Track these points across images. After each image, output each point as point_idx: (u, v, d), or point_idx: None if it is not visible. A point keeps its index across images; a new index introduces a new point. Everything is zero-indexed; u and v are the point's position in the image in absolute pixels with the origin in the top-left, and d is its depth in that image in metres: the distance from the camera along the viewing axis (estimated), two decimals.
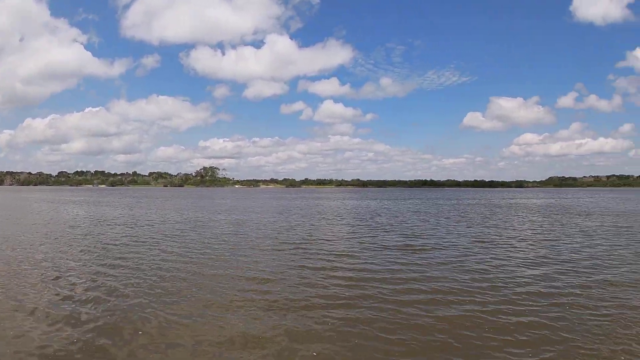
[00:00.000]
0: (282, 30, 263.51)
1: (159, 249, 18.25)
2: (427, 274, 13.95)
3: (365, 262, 15.99)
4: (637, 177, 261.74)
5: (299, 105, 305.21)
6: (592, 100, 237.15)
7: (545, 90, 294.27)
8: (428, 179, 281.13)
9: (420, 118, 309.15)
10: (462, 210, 46.84)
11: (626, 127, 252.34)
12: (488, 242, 21.69)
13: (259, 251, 18.09)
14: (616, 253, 18.32)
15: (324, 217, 36.15)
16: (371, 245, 20.21)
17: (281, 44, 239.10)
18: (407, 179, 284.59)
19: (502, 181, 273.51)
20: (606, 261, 16.49)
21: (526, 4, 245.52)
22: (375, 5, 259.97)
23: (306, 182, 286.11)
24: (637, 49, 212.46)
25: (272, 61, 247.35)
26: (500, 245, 20.40)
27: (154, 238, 21.85)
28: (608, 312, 10.23)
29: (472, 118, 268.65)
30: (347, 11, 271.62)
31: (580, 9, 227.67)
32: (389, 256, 17.28)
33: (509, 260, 16.57)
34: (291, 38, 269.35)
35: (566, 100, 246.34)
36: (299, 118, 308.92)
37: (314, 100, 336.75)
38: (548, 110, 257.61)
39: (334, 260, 16.17)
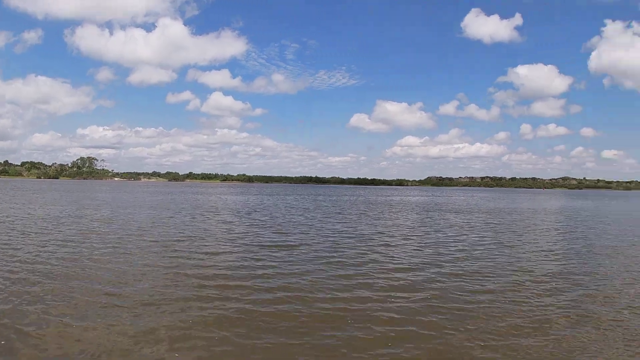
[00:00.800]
0: (176, 15, 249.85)
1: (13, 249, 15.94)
2: (297, 270, 13.68)
3: (235, 260, 15.11)
4: (509, 179, 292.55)
5: (186, 95, 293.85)
6: (472, 109, 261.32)
7: (429, 97, 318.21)
8: (314, 176, 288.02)
9: (309, 116, 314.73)
10: (340, 207, 47.72)
11: (501, 135, 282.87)
12: (360, 236, 21.91)
13: (122, 251, 16.17)
14: (479, 246, 19.65)
15: (200, 214, 34.19)
16: (243, 242, 19.20)
17: (174, 29, 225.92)
18: (294, 175, 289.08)
19: (384, 179, 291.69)
20: (470, 253, 17.75)
21: (420, 17, 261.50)
22: (274, 1, 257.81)
23: (190, 176, 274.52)
24: (518, 66, 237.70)
25: (162, 46, 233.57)
26: (372, 240, 20.86)
27: (10, 236, 19.13)
28: (469, 300, 10.77)
29: (359, 119, 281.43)
30: (246, 3, 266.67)
31: (471, 26, 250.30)
32: (259, 254, 16.44)
33: (381, 255, 16.86)
34: (185, 24, 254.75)
35: (448, 108, 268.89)
36: (185, 108, 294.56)
37: (203, 91, 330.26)
38: (430, 115, 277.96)
39: (203, 259, 15.17)
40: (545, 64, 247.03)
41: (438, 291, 11.56)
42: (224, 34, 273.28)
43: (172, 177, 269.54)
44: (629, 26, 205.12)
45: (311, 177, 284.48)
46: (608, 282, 13.15)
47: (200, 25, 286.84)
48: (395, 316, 9.39)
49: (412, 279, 12.96)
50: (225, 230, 23.64)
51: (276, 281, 12.17)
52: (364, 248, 18.25)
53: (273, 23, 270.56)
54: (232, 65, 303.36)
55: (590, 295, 11.57)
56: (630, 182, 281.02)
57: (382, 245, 19.33)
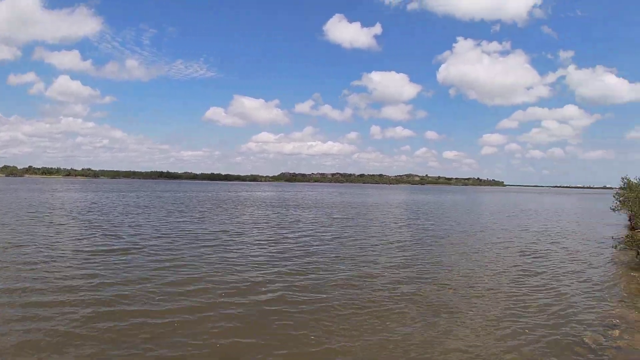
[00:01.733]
0: None
1: None
2: (129, 278, 12.33)
3: (62, 270, 13.12)
4: (358, 175, 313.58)
5: (30, 77, 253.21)
6: (327, 109, 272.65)
7: (285, 95, 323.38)
8: (165, 171, 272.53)
9: (162, 107, 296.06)
10: (186, 204, 44.69)
11: (352, 135, 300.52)
12: (199, 236, 20.79)
13: None
14: (325, 240, 20.22)
15: (29, 216, 28.44)
16: (73, 248, 16.70)
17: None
18: (143, 170, 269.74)
19: (238, 175, 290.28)
20: (314, 247, 18.20)
21: (284, 16, 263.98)
22: None
23: (30, 170, 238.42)
24: (373, 72, 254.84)
25: (9, 18, 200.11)
26: (212, 239, 19.84)
27: None
28: (316, 297, 10.05)
29: (215, 113, 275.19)
30: None
31: (333, 30, 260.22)
32: (89, 261, 14.45)
33: (220, 255, 16.03)
34: None
35: (303, 107, 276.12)
36: (27, 92, 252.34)
37: (49, 73, 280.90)
38: (286, 113, 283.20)
39: (23, 270, 12.84)
40: (398, 72, 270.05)
41: (282, 290, 11.31)
42: (79, 10, 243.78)
43: (10, 171, 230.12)
44: (479, 44, 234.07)
45: (162, 172, 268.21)
46: (451, 270, 14.39)
47: None
48: (229, 324, 8.87)
49: (254, 279, 12.54)
50: (53, 234, 20.33)
51: (105, 293, 10.76)
52: (202, 249, 17.19)
53: (132, 4, 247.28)
54: (83, 46, 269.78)
55: (437, 283, 12.44)
56: (467, 179, 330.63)
57: (222, 244, 18.48)
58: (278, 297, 10.83)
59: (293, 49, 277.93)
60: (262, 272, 13.38)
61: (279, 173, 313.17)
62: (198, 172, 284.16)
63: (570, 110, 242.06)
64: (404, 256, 16.67)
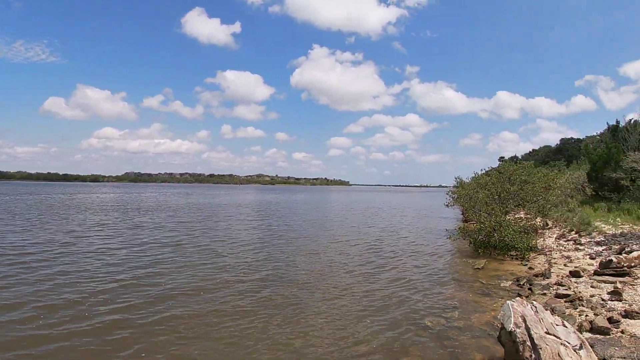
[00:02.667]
0: None
1: None
2: None
3: None
4: (208, 175, 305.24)
5: None
6: (177, 105, 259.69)
7: (134, 88, 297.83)
8: None
9: None
10: (9, 210, 37.62)
11: (203, 133, 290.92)
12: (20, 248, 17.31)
13: None
14: (167, 246, 18.88)
15: None
16: None
17: None
18: None
19: (78, 175, 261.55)
20: (154, 255, 16.52)
21: (141, 5, 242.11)
22: None
23: None
24: (228, 71, 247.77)
25: None
26: (32, 252, 16.33)
27: None
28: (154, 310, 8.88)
29: (54, 103, 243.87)
30: None
31: (191, 23, 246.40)
32: None
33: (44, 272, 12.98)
34: None
35: (152, 101, 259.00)
36: None
37: None
38: (133, 107, 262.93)
39: None
40: (253, 72, 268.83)
41: (126, 302, 9.96)
42: None
43: None
44: (333, 53, 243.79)
45: None
46: (301, 268, 14.10)
47: None
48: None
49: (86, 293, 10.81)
50: None
51: None
52: (25, 263, 14.32)
53: None
54: None
55: (287, 282, 12.14)
56: (315, 179, 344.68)
57: (48, 257, 15.73)
58: (122, 308, 9.45)
59: (146, 39, 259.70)
60: (96, 283, 11.56)
61: (124, 173, 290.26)
62: (33, 171, 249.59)
63: (412, 118, 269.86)
64: (256, 258, 15.99)
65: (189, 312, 9.29)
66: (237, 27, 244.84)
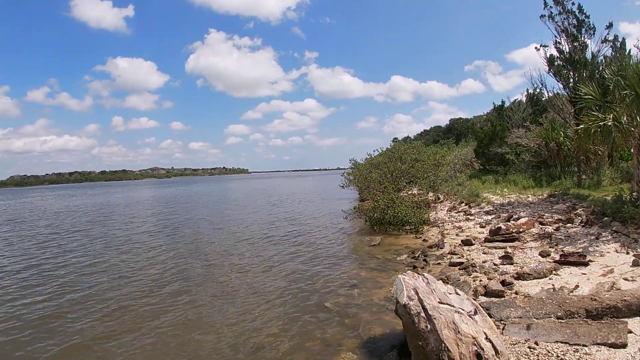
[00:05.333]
0: None
1: None
2: None
3: None
4: (99, 172, 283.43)
5: None
6: (64, 97, 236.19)
7: (16, 80, 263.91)
8: None
9: None
10: None
11: (92, 127, 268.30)
12: None
13: None
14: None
15: None
16: None
17: None
18: None
19: None
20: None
21: None
22: None
23: None
24: (119, 58, 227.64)
25: None
26: None
27: None
28: None
29: None
30: None
31: (80, 6, 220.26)
32: None
33: None
34: None
35: (37, 94, 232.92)
36: None
37: None
38: (17, 102, 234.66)
39: None
40: (146, 59, 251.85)
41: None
42: None
43: None
44: (231, 38, 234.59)
45: None
46: (201, 266, 12.96)
47: None
48: None
49: None
50: None
51: None
52: None
53: None
54: None
55: (190, 278, 11.39)
56: (214, 169, 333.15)
57: None
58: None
59: (30, 23, 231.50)
60: None
61: (8, 177, 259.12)
62: None
63: (310, 103, 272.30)
64: (154, 259, 14.35)
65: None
66: (130, 11, 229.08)
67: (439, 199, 21.80)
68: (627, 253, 8.48)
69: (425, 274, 6.33)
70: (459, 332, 4.86)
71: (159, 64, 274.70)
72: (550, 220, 12.36)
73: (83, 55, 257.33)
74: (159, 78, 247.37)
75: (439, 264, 10.54)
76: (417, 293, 5.56)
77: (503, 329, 5.73)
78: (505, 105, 32.82)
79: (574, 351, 4.94)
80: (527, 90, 31.68)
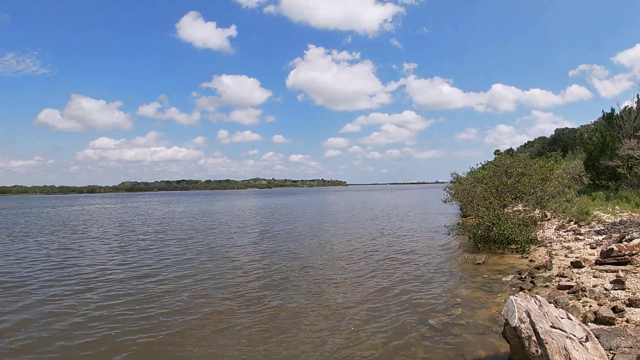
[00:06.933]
0: None
1: None
2: None
3: None
4: (205, 181, 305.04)
5: None
6: (173, 112, 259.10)
7: (129, 97, 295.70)
8: None
9: None
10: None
11: (199, 139, 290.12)
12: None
13: None
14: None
15: None
16: None
17: None
18: None
19: (74, 187, 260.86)
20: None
21: (134, 10, 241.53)
22: None
23: None
24: (224, 75, 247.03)
25: None
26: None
27: None
28: None
29: (49, 115, 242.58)
30: None
31: (185, 28, 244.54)
32: None
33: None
34: None
35: (148, 109, 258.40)
36: None
37: None
38: (129, 116, 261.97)
39: None
40: (249, 76, 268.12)
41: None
42: None
43: None
44: (329, 53, 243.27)
45: None
46: (304, 275, 13.93)
47: None
48: None
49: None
50: None
51: None
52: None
53: None
54: None
55: (293, 287, 12.45)
56: (313, 181, 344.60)
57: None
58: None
59: (141, 45, 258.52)
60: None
61: (120, 183, 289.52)
62: (30, 184, 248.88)
63: (409, 115, 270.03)
64: (257, 264, 16.02)
65: (197, 317, 9.30)
66: (232, 31, 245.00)
67: (546, 216, 21.12)
68: None
69: (538, 296, 6.20)
70: (570, 359, 4.78)
71: (262, 80, 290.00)
72: None
73: (190, 73, 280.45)
74: (261, 94, 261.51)
75: (547, 286, 10.39)
76: (528, 315, 5.49)
77: (612, 358, 5.53)
78: (614, 113, 30.71)
79: None
80: (638, 95, 29.42)
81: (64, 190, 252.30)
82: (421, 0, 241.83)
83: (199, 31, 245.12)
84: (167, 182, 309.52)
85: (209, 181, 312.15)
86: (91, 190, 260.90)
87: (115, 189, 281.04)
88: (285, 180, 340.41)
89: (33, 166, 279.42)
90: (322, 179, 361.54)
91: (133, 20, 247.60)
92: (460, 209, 29.99)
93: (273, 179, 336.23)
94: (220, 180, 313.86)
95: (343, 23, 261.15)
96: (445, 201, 23.55)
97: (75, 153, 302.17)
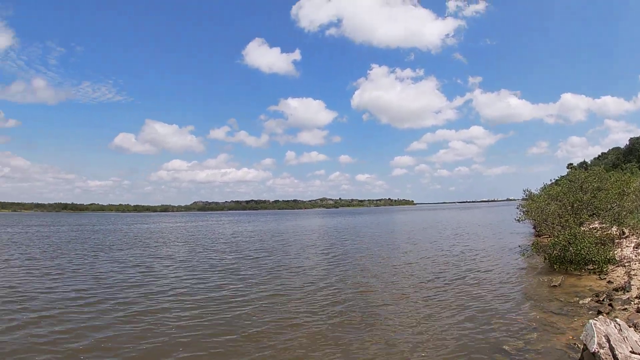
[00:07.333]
0: None
1: None
2: None
3: None
4: (273, 201, 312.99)
5: None
6: (242, 135, 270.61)
7: (200, 121, 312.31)
8: (70, 203, 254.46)
9: (68, 132, 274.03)
10: (102, 241, 40.25)
11: (268, 161, 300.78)
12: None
13: None
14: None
15: None
16: None
17: None
18: (47, 202, 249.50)
19: (148, 205, 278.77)
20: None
21: (202, 39, 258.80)
22: None
23: None
24: (290, 98, 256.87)
25: None
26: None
27: None
28: None
29: (124, 139, 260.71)
30: None
31: (252, 54, 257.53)
32: None
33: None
34: None
35: (219, 133, 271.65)
36: None
37: None
38: (200, 140, 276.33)
39: None
40: (315, 98, 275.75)
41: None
42: None
43: None
44: (393, 71, 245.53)
45: (67, 204, 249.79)
46: (381, 281, 14.97)
47: None
48: None
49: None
50: None
51: None
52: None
53: (42, 18, 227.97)
54: None
55: (369, 294, 12.58)
56: (380, 200, 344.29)
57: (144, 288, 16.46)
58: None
59: (210, 72, 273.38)
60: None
61: (192, 202, 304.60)
62: (106, 203, 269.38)
63: (476, 130, 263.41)
64: (329, 280, 16.65)
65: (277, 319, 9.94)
66: (296, 55, 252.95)
67: (623, 233, 20.41)
68: None
69: (618, 320, 6.19)
70: None
71: (327, 101, 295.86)
72: None
73: (258, 98, 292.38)
74: (327, 115, 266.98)
75: (626, 309, 10.25)
76: (608, 340, 5.49)
77: None
78: None
79: None
80: None
81: (138, 208, 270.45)
82: (481, 12, 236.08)
83: (264, 57, 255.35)
84: (237, 202, 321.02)
85: (277, 201, 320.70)
86: (164, 209, 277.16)
87: (187, 208, 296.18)
88: (352, 199, 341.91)
89: (109, 186, 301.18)
90: (389, 198, 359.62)
91: (202, 50, 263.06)
92: (534, 228, 29.33)
93: (340, 198, 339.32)
94: (288, 200, 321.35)
95: (405, 41, 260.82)
96: (518, 220, 23.22)
97: (150, 174, 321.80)
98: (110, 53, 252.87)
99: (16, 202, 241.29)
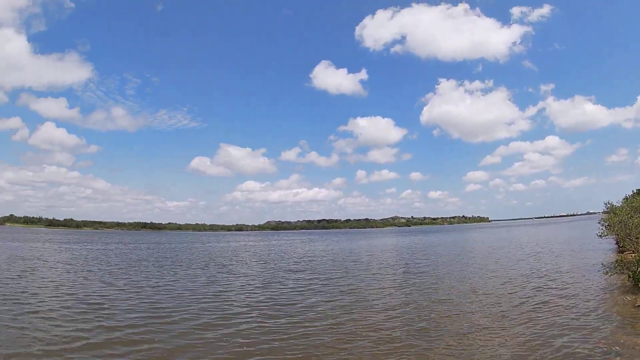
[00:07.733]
0: (21, 28, 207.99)
1: None
2: None
3: None
4: (344, 220, 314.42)
5: (15, 122, 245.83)
6: (313, 156, 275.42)
7: (272, 143, 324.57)
8: (149, 222, 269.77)
9: (146, 157, 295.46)
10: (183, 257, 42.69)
11: (338, 180, 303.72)
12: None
13: None
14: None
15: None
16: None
17: (15, 43, 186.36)
18: (127, 221, 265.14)
19: (224, 225, 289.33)
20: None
21: (270, 63, 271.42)
22: (121, 28, 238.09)
23: (11, 219, 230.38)
24: (358, 118, 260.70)
25: None
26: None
27: None
28: None
29: (200, 162, 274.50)
30: (99, 23, 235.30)
31: (319, 76, 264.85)
32: None
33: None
34: (29, 40, 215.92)
35: (289, 154, 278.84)
36: (11, 138, 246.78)
37: (34, 120, 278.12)
38: (273, 162, 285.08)
39: None
40: (383, 116, 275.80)
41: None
42: (70, 56, 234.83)
43: None
44: (461, 84, 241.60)
45: (146, 223, 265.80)
46: (458, 301, 15.31)
47: (45, 43, 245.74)
48: None
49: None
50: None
51: None
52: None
53: (119, 52, 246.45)
54: (70, 93, 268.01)
55: (451, 309, 12.88)
56: (453, 218, 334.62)
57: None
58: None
59: (279, 97, 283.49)
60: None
61: (265, 222, 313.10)
62: (182, 222, 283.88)
63: (551, 141, 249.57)
64: (406, 299, 16.79)
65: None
66: (363, 75, 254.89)
67: None
68: None
69: None
70: None
71: (396, 119, 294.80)
72: None
73: (327, 119, 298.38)
74: (396, 132, 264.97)
75: None
76: None
77: None
78: None
79: None
80: None
81: (214, 228, 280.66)
82: (547, 16, 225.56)
83: (331, 78, 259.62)
84: (309, 221, 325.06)
85: (348, 220, 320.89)
86: (239, 228, 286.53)
87: (260, 227, 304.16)
88: (425, 217, 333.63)
89: (186, 206, 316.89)
90: (463, 216, 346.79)
91: (272, 74, 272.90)
92: (616, 243, 27.58)
93: (412, 216, 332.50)
94: (359, 219, 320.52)
95: (471, 52, 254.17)
96: (600, 236, 22.13)
97: (224, 195, 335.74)
98: (184, 81, 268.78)
99: (97, 220, 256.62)
